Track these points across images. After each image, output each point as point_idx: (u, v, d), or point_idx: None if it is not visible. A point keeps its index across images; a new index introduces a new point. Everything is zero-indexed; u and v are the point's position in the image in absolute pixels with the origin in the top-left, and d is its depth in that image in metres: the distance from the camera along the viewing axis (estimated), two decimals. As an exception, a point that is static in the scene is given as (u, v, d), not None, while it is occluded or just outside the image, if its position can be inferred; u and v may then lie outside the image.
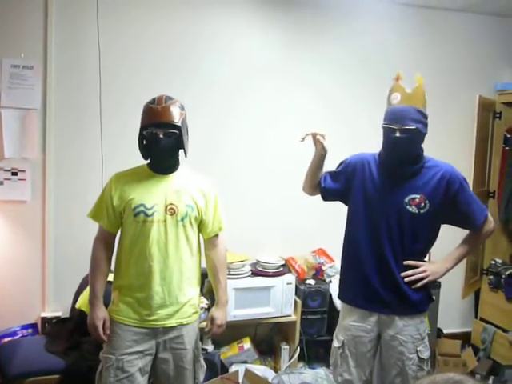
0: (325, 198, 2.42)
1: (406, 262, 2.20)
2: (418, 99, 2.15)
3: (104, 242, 2.18)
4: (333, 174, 2.39)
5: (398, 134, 2.11)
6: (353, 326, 2.28)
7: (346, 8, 3.63)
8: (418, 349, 2.23)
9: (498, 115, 3.88)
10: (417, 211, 2.16)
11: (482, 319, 3.93)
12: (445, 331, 3.89)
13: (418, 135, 2.14)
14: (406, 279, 2.19)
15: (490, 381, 3.46)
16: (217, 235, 2.27)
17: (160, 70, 3.30)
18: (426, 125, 2.16)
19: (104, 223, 2.17)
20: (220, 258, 2.29)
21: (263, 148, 3.55)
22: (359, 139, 3.30)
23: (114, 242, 2.22)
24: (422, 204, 2.16)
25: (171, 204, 2.09)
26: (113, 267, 2.21)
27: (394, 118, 2.13)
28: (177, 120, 2.07)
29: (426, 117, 2.16)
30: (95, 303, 2.12)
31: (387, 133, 2.16)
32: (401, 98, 2.14)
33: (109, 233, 2.18)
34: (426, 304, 2.29)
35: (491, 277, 3.84)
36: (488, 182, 3.94)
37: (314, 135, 2.28)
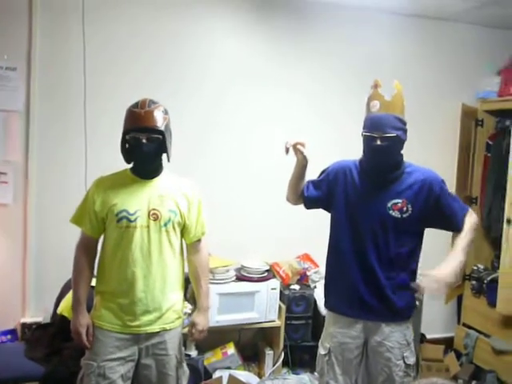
0: (307, 207, 2.43)
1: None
2: (397, 106, 2.17)
3: (86, 247, 2.16)
4: (315, 183, 2.40)
5: (378, 142, 2.13)
6: (339, 332, 2.28)
7: (333, 14, 3.65)
8: (405, 355, 2.23)
9: (480, 123, 3.94)
10: (399, 216, 2.18)
11: (464, 324, 3.96)
12: (428, 336, 3.92)
13: (398, 142, 2.16)
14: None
15: (473, 386, 3.50)
16: (199, 240, 2.26)
17: (146, 73, 3.28)
18: (405, 131, 2.18)
19: (86, 228, 2.14)
20: (202, 263, 2.28)
21: (249, 153, 3.55)
22: (347, 143, 3.31)
23: (96, 247, 2.19)
24: (405, 208, 2.18)
25: (154, 209, 2.08)
26: (95, 272, 2.18)
27: (374, 125, 2.14)
28: (160, 125, 2.05)
29: (404, 123, 2.18)
30: (78, 309, 2.09)
31: (368, 141, 2.17)
32: (380, 106, 2.15)
33: (91, 238, 2.16)
34: (411, 310, 2.30)
35: (474, 282, 3.88)
36: (470, 189, 3.99)
37: (294, 145, 2.26)
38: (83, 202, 2.17)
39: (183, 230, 2.20)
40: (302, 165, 2.31)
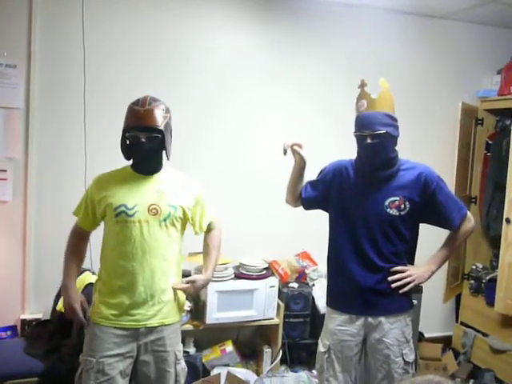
0: (305, 208, 2.45)
1: (393, 269, 2.22)
2: (385, 103, 2.18)
3: (77, 236, 2.23)
4: (313, 184, 2.41)
5: (369, 140, 2.14)
6: (338, 330, 2.29)
7: (334, 10, 3.65)
8: (404, 352, 2.25)
9: (480, 122, 3.94)
10: (397, 213, 2.19)
11: (462, 323, 3.97)
12: (426, 335, 3.92)
13: (390, 138, 2.16)
14: (392, 285, 2.21)
15: (470, 384, 3.51)
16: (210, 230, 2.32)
17: (145, 68, 3.28)
18: (396, 127, 2.18)
19: (78, 218, 2.21)
20: (213, 240, 2.32)
21: (247, 150, 3.55)
22: (348, 138, 3.31)
23: (87, 238, 2.27)
24: (402, 206, 2.19)
25: (154, 204, 2.08)
26: (95, 269, 2.20)
27: (362, 124, 2.16)
28: (159, 124, 2.06)
29: (395, 119, 2.18)
30: (69, 284, 2.13)
31: (359, 140, 2.19)
32: (367, 105, 2.17)
33: (81, 229, 2.22)
34: (410, 303, 2.32)
35: (472, 281, 3.89)
36: (470, 188, 3.99)
37: (291, 146, 2.28)
38: (83, 196, 2.22)
39: (192, 225, 2.24)
40: (300, 166, 2.33)
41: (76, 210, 2.22)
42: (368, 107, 2.17)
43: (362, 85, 2.22)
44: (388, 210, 2.19)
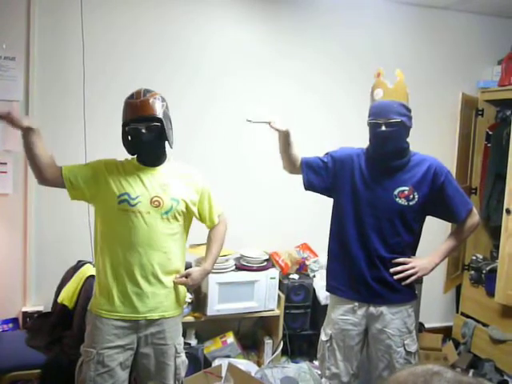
0: (306, 189, 2.41)
1: (395, 260, 2.23)
2: (400, 94, 2.20)
3: (55, 169, 2.08)
4: (314, 168, 2.36)
5: (383, 128, 2.14)
6: (341, 319, 2.31)
7: (334, 1, 3.62)
8: (405, 342, 2.26)
9: (480, 112, 3.93)
10: (406, 203, 2.20)
11: (462, 314, 3.98)
12: (426, 325, 3.94)
13: (403, 128, 2.17)
14: (395, 276, 2.22)
15: (470, 374, 3.52)
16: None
17: (144, 63, 3.27)
18: (410, 118, 2.20)
19: (67, 170, 2.08)
20: (216, 233, 2.33)
21: (247, 142, 3.54)
22: (347, 132, 3.34)
23: (55, 174, 2.07)
24: (411, 196, 2.20)
25: (156, 196, 2.08)
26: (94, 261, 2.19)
27: (378, 112, 2.17)
28: (157, 113, 2.06)
29: (409, 110, 2.20)
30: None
31: (373, 128, 2.19)
32: (383, 94, 2.19)
33: (59, 175, 2.07)
34: (413, 294, 2.33)
35: (472, 272, 3.90)
36: (470, 179, 3.99)
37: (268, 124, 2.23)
38: (88, 163, 2.18)
39: (200, 219, 2.26)
40: (284, 136, 2.29)
41: (69, 166, 2.11)
42: (384, 96, 2.18)
43: (379, 74, 2.23)
44: (397, 199, 2.20)
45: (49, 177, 2.06)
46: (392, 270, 2.23)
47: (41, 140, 2.02)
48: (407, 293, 2.29)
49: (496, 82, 3.86)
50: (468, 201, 2.30)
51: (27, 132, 1.98)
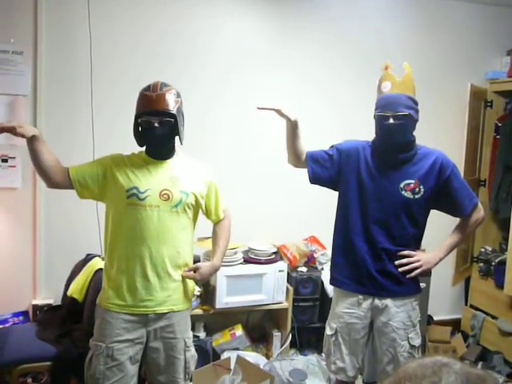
0: (312, 182, 2.40)
1: (400, 253, 2.24)
2: (408, 87, 2.19)
3: (62, 174, 2.08)
4: (319, 161, 2.35)
5: (391, 121, 2.14)
6: (345, 313, 2.31)
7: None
8: (410, 336, 2.26)
9: (489, 104, 3.90)
10: (412, 196, 2.20)
11: (471, 306, 3.97)
12: (435, 318, 3.94)
13: (411, 121, 2.17)
14: (400, 269, 2.22)
15: (479, 366, 3.51)
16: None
17: (151, 56, 3.26)
18: (417, 111, 2.20)
19: (74, 171, 2.09)
20: (222, 228, 2.34)
21: (255, 135, 3.53)
22: (351, 123, 3.33)
23: (61, 174, 2.09)
24: (417, 189, 2.19)
25: (165, 190, 2.09)
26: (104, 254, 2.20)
27: (386, 104, 2.16)
28: (171, 108, 2.05)
29: (416, 103, 2.20)
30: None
31: (380, 120, 2.18)
32: (391, 86, 2.19)
33: (66, 175, 2.08)
34: (417, 286, 2.32)
35: (481, 264, 3.89)
36: (479, 171, 3.97)
37: (278, 111, 2.24)
38: (94, 160, 2.19)
39: (206, 213, 2.27)
40: (292, 126, 2.29)
41: (76, 166, 2.12)
42: (392, 89, 2.17)
43: (386, 67, 2.23)
44: (403, 192, 2.19)
45: (58, 181, 2.09)
46: (397, 263, 2.23)
47: (45, 145, 2.04)
48: (412, 285, 2.29)
49: (505, 73, 3.82)
50: (473, 195, 2.30)
51: (31, 140, 1.99)
